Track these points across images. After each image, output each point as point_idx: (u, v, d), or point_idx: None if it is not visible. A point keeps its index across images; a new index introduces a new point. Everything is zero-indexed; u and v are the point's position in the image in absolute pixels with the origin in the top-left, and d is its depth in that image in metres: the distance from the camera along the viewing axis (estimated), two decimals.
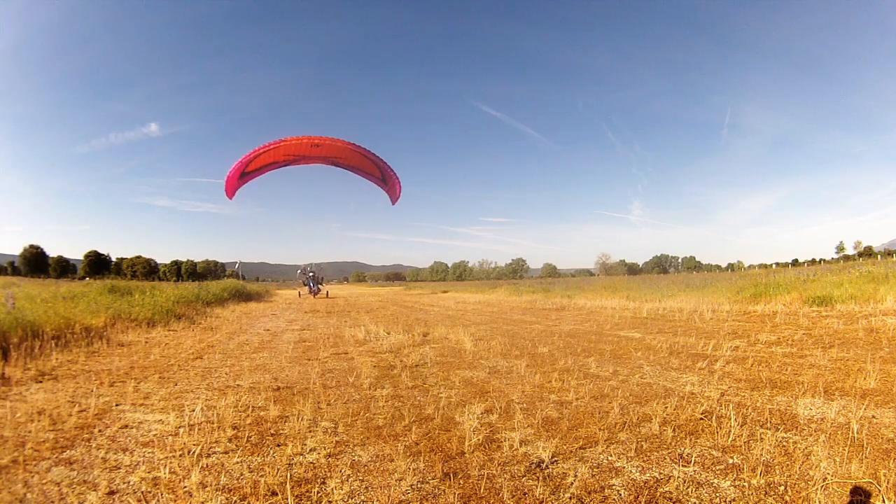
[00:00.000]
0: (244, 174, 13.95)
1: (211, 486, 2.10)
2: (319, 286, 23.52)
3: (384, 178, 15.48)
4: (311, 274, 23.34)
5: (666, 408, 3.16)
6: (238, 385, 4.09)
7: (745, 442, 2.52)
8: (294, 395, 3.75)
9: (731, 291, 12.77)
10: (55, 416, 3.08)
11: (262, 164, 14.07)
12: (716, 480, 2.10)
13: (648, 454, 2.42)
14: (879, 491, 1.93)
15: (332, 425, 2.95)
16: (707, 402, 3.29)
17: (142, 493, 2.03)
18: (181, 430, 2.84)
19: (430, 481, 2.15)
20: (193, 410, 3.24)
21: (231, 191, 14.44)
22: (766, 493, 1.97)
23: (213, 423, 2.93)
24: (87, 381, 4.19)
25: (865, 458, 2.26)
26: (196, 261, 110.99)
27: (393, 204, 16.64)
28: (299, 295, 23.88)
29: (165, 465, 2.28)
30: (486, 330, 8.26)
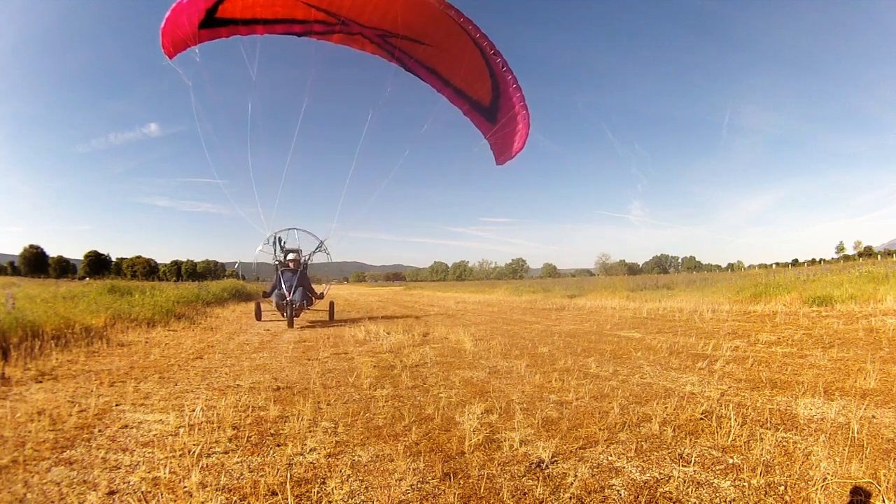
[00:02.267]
0: (212, 20, 6.43)
1: (211, 486, 2.09)
2: (311, 294, 9.92)
3: (496, 100, 7.50)
4: (288, 260, 9.91)
5: (666, 408, 3.16)
6: (238, 385, 4.09)
7: (745, 442, 2.52)
8: (294, 395, 3.74)
9: (731, 291, 12.78)
10: (55, 416, 3.08)
11: (257, 16, 6.54)
12: (716, 480, 2.10)
13: (648, 454, 2.42)
14: (879, 491, 1.93)
15: (332, 425, 2.95)
16: (707, 402, 3.28)
17: (142, 493, 2.03)
18: (181, 430, 2.84)
19: (430, 481, 2.14)
20: (193, 410, 3.24)
21: (173, 43, 6.58)
22: (766, 493, 1.97)
23: (213, 423, 2.93)
24: (87, 381, 4.19)
25: (865, 458, 2.26)
26: (196, 261, 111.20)
27: (500, 163, 8.40)
28: (256, 313, 10.25)
29: (165, 465, 2.28)
30: (486, 330, 8.26)
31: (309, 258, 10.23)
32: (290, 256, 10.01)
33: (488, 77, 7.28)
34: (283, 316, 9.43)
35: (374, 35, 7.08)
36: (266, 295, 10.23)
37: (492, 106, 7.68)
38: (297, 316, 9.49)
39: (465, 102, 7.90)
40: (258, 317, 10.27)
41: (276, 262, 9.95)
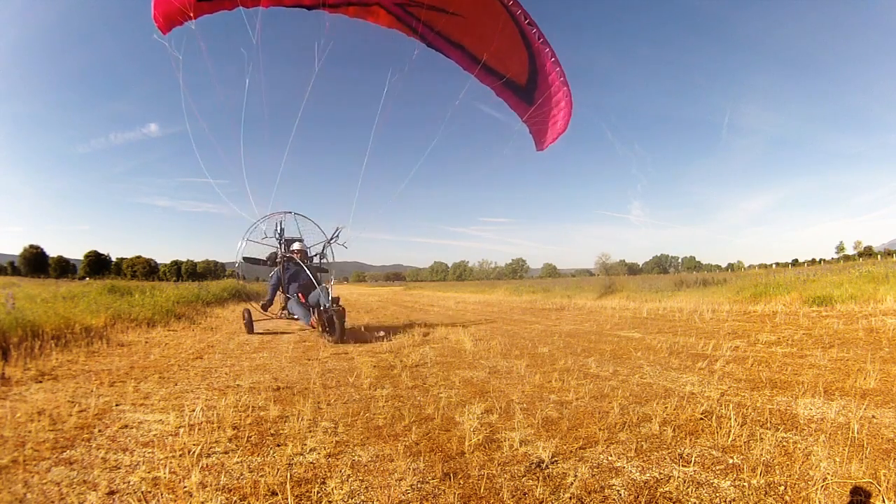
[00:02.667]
0: None
1: (211, 486, 2.09)
2: (328, 299, 6.62)
3: (534, 77, 6.67)
4: (294, 251, 7.50)
5: (666, 408, 3.15)
6: (238, 385, 4.09)
7: (745, 442, 2.52)
8: (294, 395, 3.74)
9: (730, 291, 12.78)
10: (55, 416, 3.08)
11: None
12: (716, 480, 2.10)
13: (648, 454, 2.42)
14: (879, 491, 1.93)
15: (332, 425, 2.95)
16: (707, 402, 3.28)
17: (142, 493, 2.03)
18: (181, 430, 2.84)
19: (430, 481, 2.14)
20: (193, 410, 3.24)
21: (166, 15, 5.67)
22: (766, 493, 1.97)
23: (213, 423, 2.93)
24: (87, 381, 4.18)
25: (865, 458, 2.26)
26: (196, 261, 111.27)
27: (540, 148, 7.53)
28: (247, 325, 7.70)
29: (165, 465, 2.28)
30: (486, 330, 8.25)
31: (323, 250, 7.92)
32: (296, 246, 7.55)
33: (524, 49, 6.30)
34: (313, 327, 6.94)
35: (391, 4, 6.13)
36: (266, 303, 7.66)
37: (528, 84, 6.72)
38: (328, 314, 6.70)
39: (497, 80, 6.82)
40: (250, 329, 7.75)
41: (282, 256, 7.46)
